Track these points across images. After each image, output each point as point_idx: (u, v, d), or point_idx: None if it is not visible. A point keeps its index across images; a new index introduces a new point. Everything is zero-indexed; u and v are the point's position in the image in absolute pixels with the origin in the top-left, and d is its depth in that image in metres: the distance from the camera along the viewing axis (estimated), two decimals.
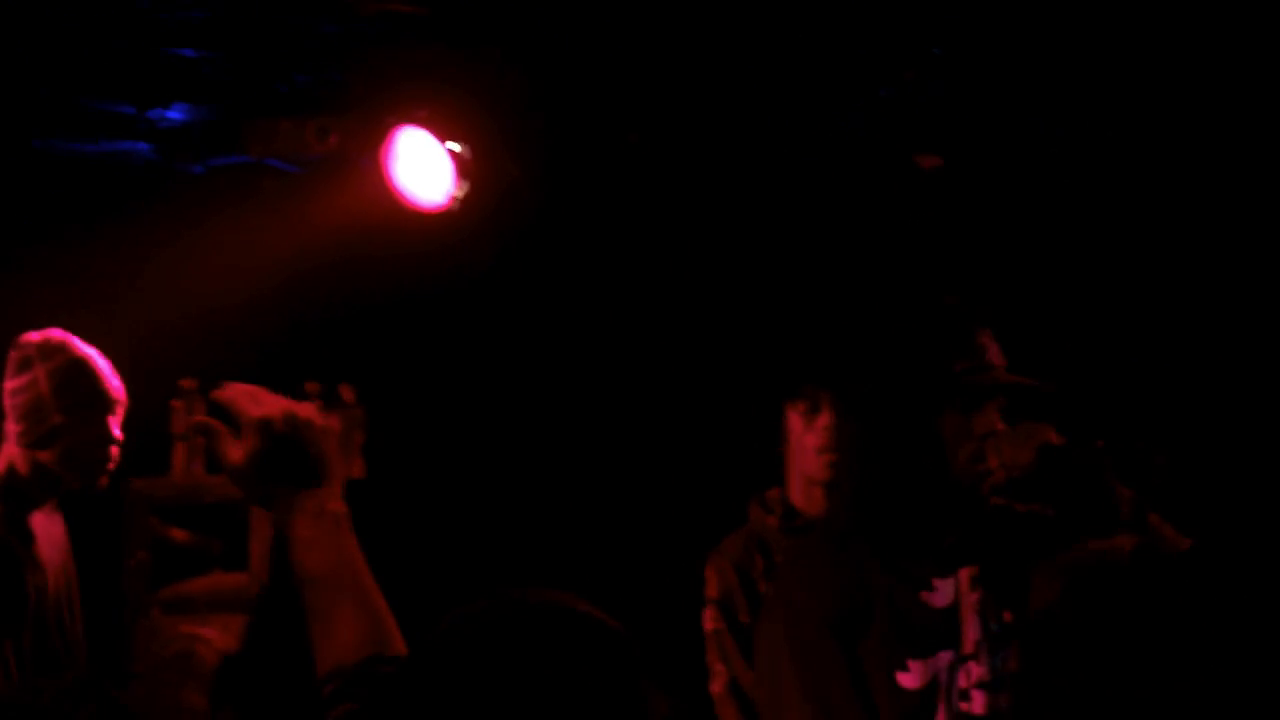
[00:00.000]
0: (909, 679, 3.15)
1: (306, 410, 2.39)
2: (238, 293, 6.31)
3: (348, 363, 6.37)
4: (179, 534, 5.24)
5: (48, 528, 4.43)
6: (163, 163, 6.47)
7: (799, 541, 3.70)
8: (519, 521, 6.72)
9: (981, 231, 6.55)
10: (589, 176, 6.78)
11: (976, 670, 3.14)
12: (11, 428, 4.40)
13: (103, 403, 4.44)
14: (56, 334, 4.45)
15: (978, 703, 3.12)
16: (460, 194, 6.26)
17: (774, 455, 4.33)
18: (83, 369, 4.42)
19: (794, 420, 4.26)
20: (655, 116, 6.54)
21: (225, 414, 2.45)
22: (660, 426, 7.03)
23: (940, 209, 6.54)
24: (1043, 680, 1.95)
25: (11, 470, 4.38)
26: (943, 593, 3.24)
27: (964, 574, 3.26)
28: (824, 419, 4.22)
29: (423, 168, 6.24)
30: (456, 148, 6.25)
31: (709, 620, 4.31)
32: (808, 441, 4.25)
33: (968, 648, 3.15)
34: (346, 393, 6.00)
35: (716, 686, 4.26)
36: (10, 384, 4.40)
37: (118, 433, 4.49)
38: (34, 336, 4.44)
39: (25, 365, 4.39)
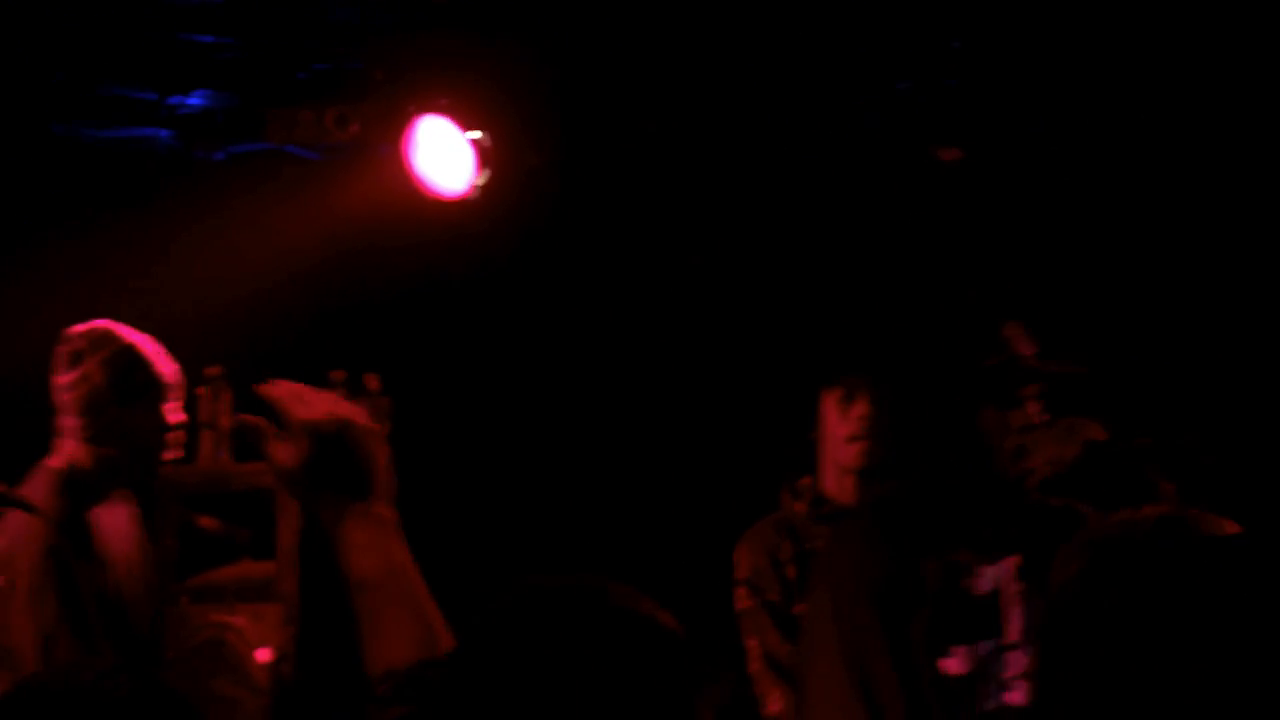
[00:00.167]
0: (953, 664, 3.16)
1: (355, 413, 2.35)
2: (259, 280, 6.31)
3: (371, 350, 6.40)
4: (206, 522, 5.27)
5: (112, 520, 4.39)
6: (183, 150, 6.47)
7: (846, 523, 3.70)
8: (548, 510, 6.73)
9: (1017, 224, 6.56)
10: (608, 165, 6.79)
11: (1020, 660, 3.15)
12: (70, 423, 4.34)
13: (159, 388, 4.38)
14: (103, 324, 4.39)
15: (1021, 693, 3.14)
16: (480, 182, 6.26)
17: (807, 443, 4.34)
18: (135, 356, 4.35)
19: (829, 408, 4.27)
20: (674, 106, 6.54)
21: (269, 409, 2.41)
22: (691, 416, 7.04)
23: (969, 200, 6.55)
24: (1061, 658, 1.96)
25: (73, 465, 4.33)
26: (986, 580, 3.25)
27: (1009, 563, 3.27)
28: (859, 408, 4.22)
29: (443, 156, 6.24)
30: (477, 136, 6.26)
31: (740, 600, 4.33)
32: (841, 429, 4.26)
33: (1011, 636, 3.16)
34: (371, 381, 6.03)
35: (754, 665, 4.28)
36: (63, 379, 4.34)
37: (176, 417, 4.44)
38: (81, 329, 4.39)
39: (76, 359, 4.33)
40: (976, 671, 3.17)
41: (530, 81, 6.38)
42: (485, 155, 6.27)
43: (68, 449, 4.32)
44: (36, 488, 4.26)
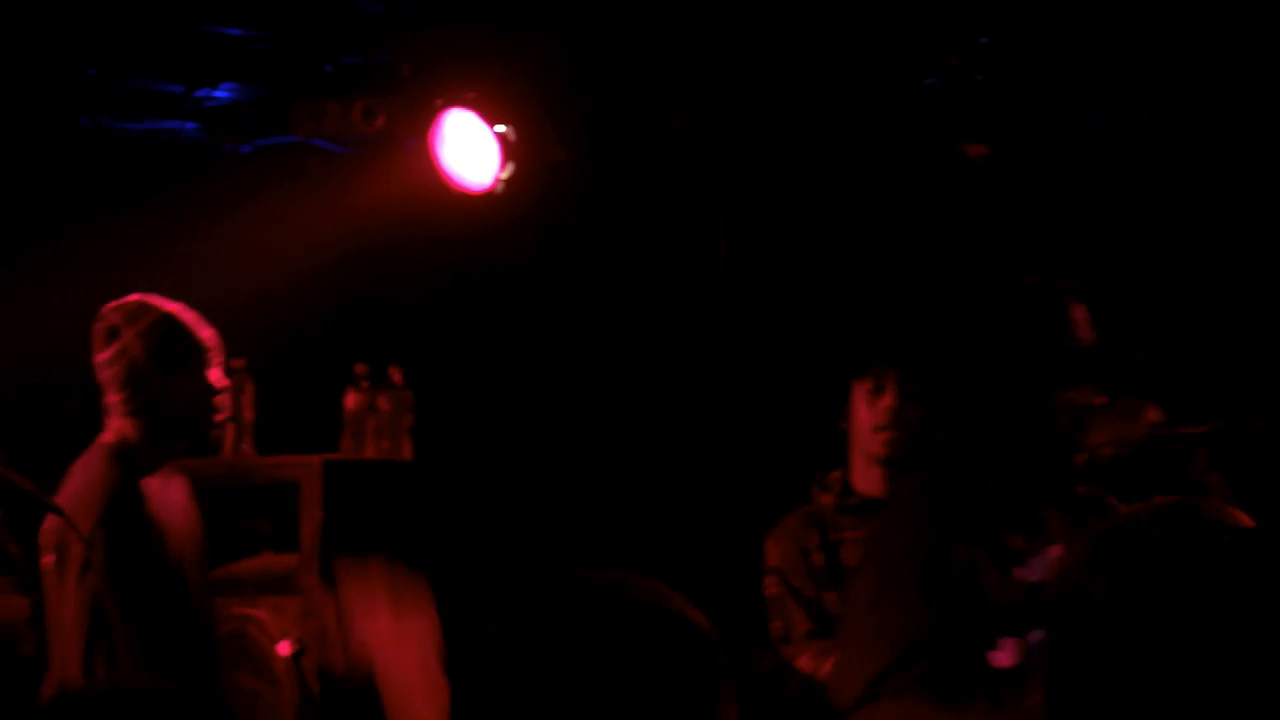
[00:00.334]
0: (1002, 657, 3.14)
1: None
2: (284, 273, 6.32)
3: (395, 344, 6.41)
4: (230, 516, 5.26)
5: (165, 493, 4.36)
6: (210, 142, 6.48)
7: (891, 509, 3.68)
8: (573, 505, 6.72)
9: (1069, 209, 6.54)
10: (634, 159, 6.78)
11: None
12: (114, 399, 4.30)
13: (199, 355, 4.34)
14: (136, 297, 4.38)
15: None
16: (506, 176, 6.26)
17: (838, 435, 4.35)
18: (172, 324, 4.32)
19: (858, 398, 4.29)
20: (700, 100, 6.53)
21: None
22: (718, 409, 7.03)
23: (1015, 186, 6.54)
24: (1063, 647, 1.95)
25: (123, 440, 4.31)
26: (1034, 569, 3.23)
27: (1055, 551, 3.25)
28: (887, 399, 4.25)
29: (469, 149, 6.24)
30: (503, 129, 6.26)
31: (768, 587, 4.34)
32: (869, 420, 4.28)
33: None
34: (395, 374, 6.04)
35: (785, 648, 4.29)
36: (101, 356, 4.33)
37: (221, 382, 4.42)
38: (115, 304, 4.37)
39: (113, 334, 4.31)
40: (1025, 663, 3.14)
41: (556, 76, 6.37)
42: (511, 149, 6.27)
43: (115, 425, 4.32)
44: (87, 465, 4.26)
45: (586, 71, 6.37)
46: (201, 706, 2.12)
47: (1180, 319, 6.35)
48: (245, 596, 5.30)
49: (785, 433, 6.32)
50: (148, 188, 6.45)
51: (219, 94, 6.34)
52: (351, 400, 5.83)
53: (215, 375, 4.37)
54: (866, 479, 4.33)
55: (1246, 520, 1.92)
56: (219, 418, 4.44)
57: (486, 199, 6.28)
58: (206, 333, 4.37)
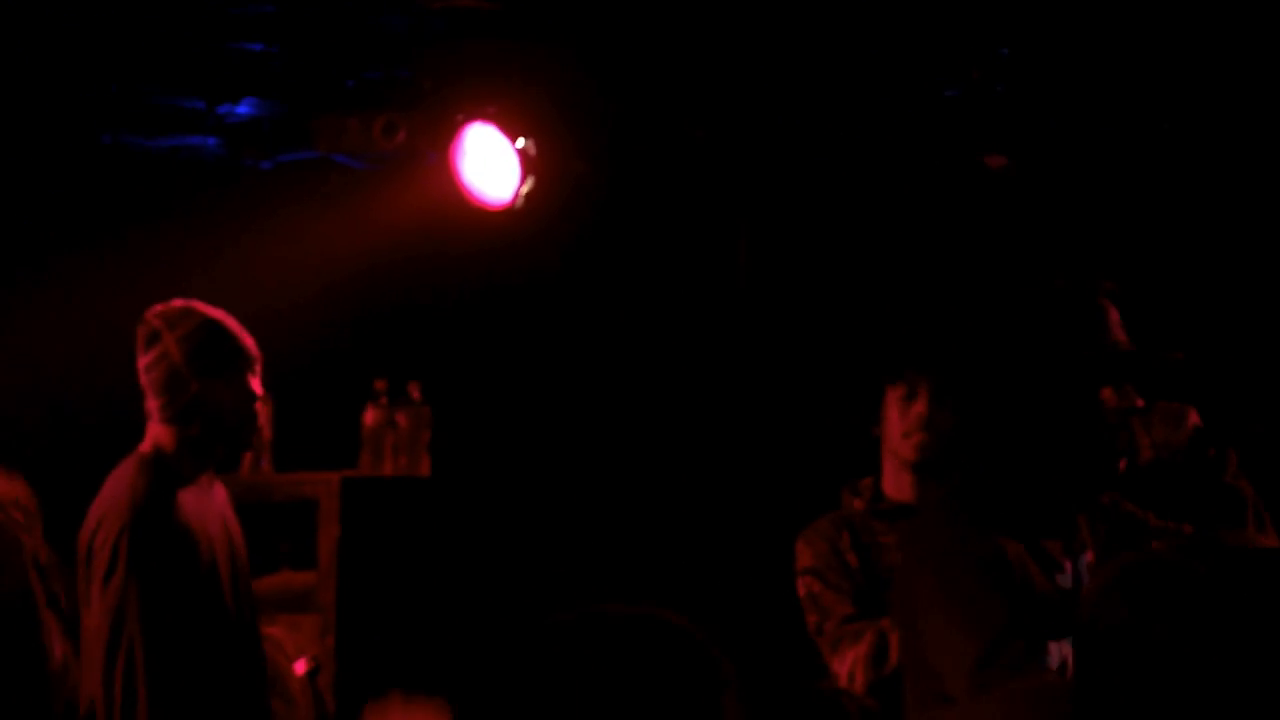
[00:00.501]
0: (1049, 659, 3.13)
1: None
2: (304, 288, 6.33)
3: (415, 360, 6.41)
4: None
5: (200, 501, 4.36)
6: (231, 158, 6.49)
7: (926, 510, 3.66)
8: (595, 518, 6.71)
9: (1100, 216, 6.53)
10: (656, 172, 6.77)
11: None
12: (152, 404, 4.33)
13: (239, 362, 4.34)
14: (179, 302, 4.39)
15: None
16: (527, 190, 6.26)
17: (870, 441, 4.36)
18: (213, 330, 4.32)
19: (891, 402, 4.31)
20: (722, 113, 6.52)
21: None
22: (743, 419, 7.02)
23: (1041, 193, 6.53)
24: (1091, 676, 1.95)
25: (157, 448, 4.32)
26: (1069, 575, 3.22)
27: (1087, 559, 3.25)
28: (920, 405, 4.26)
29: (490, 164, 6.24)
30: (523, 144, 6.25)
31: (802, 587, 4.34)
32: (901, 425, 4.29)
33: None
34: (414, 390, 6.04)
35: (820, 639, 4.27)
36: (143, 360, 4.34)
37: (259, 390, 4.42)
38: (159, 308, 4.38)
39: (154, 339, 4.32)
40: (1060, 668, 3.13)
41: (577, 89, 6.37)
42: (531, 163, 6.26)
43: (153, 432, 4.34)
44: (120, 474, 4.28)
45: (606, 85, 6.36)
46: None
47: (1205, 322, 6.34)
48: (263, 614, 5.31)
49: (811, 441, 6.32)
50: (169, 204, 6.48)
51: (240, 110, 6.35)
52: (370, 416, 5.83)
53: (255, 384, 4.39)
54: (898, 485, 4.35)
55: (1272, 542, 1.92)
56: (256, 426, 4.47)
57: (507, 214, 6.28)
58: (248, 341, 4.39)
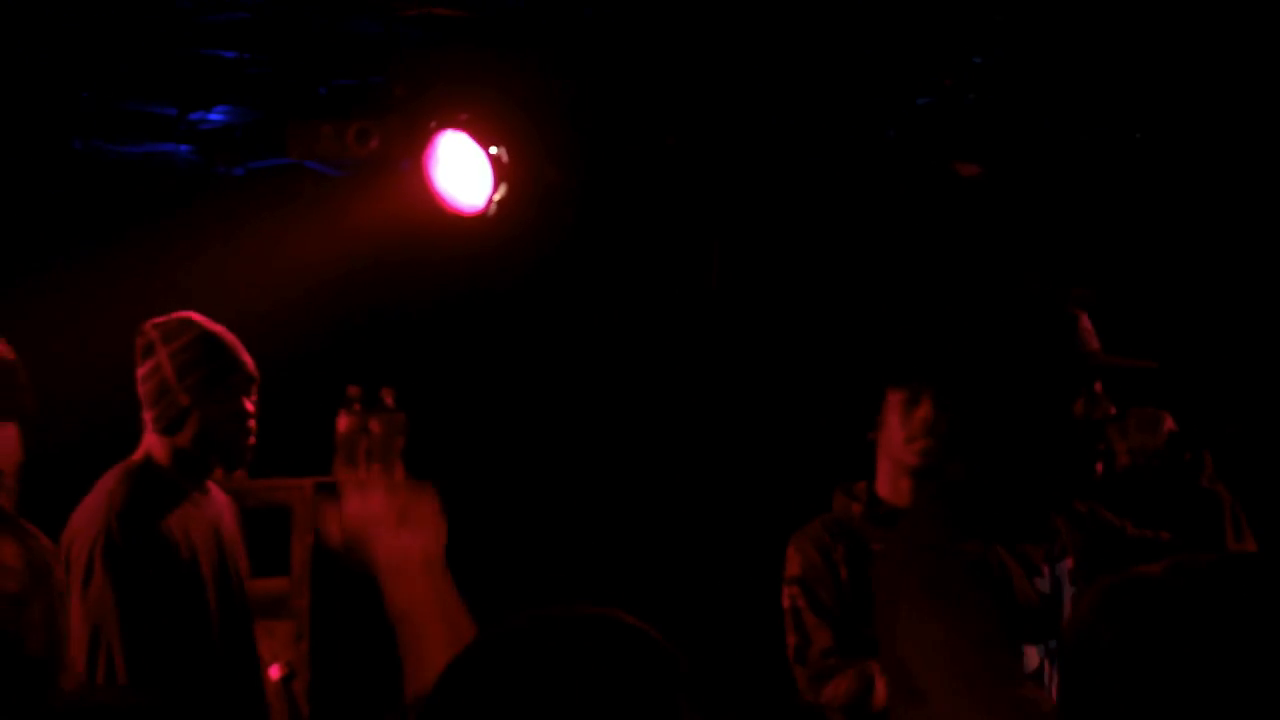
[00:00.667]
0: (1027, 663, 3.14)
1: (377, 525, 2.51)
2: (277, 294, 6.32)
3: (389, 365, 6.40)
4: None
5: (193, 512, 4.35)
6: (204, 165, 6.48)
7: (914, 514, 3.67)
8: (571, 525, 6.72)
9: (1073, 222, 6.56)
10: (628, 179, 6.78)
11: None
12: (146, 415, 4.35)
13: (231, 380, 4.35)
14: (180, 315, 4.39)
15: None
16: (499, 197, 6.26)
17: (865, 444, 4.34)
18: (207, 347, 4.32)
19: (892, 407, 4.29)
20: (694, 120, 6.54)
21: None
22: (711, 426, 7.03)
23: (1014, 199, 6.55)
24: (1075, 697, 1.95)
25: (149, 459, 4.32)
26: (1047, 579, 3.23)
27: (1066, 565, 3.26)
28: (922, 411, 4.24)
29: (463, 171, 6.24)
30: (496, 151, 6.26)
31: (787, 598, 4.32)
32: (903, 430, 4.28)
33: None
34: (387, 396, 6.03)
35: (799, 668, 4.26)
36: (139, 371, 4.36)
37: (252, 409, 4.42)
38: (158, 320, 4.38)
39: (149, 351, 4.33)
40: (1040, 670, 3.15)
41: (549, 97, 6.37)
42: (504, 170, 6.27)
43: (146, 442, 4.34)
44: (104, 482, 4.28)
45: (579, 92, 6.37)
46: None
47: (1178, 326, 6.37)
48: None
49: (781, 443, 6.33)
50: (141, 210, 6.47)
51: (213, 116, 6.34)
52: (343, 422, 5.82)
53: (248, 402, 4.39)
54: (895, 489, 4.34)
55: (1250, 545, 1.93)
56: (249, 443, 4.46)
57: (480, 220, 6.28)
58: (245, 359, 4.39)
